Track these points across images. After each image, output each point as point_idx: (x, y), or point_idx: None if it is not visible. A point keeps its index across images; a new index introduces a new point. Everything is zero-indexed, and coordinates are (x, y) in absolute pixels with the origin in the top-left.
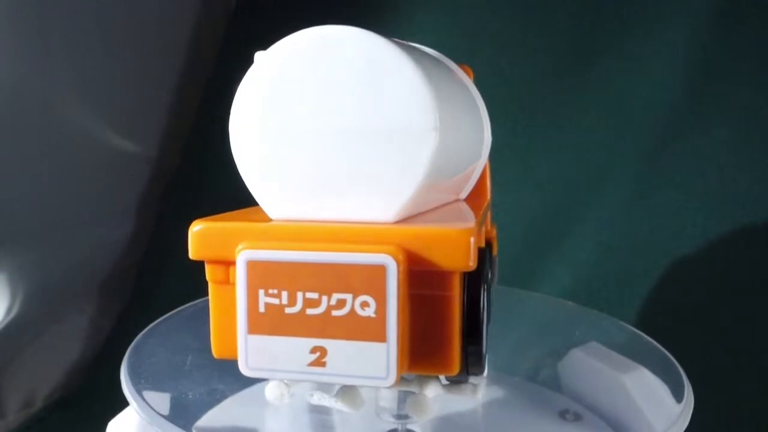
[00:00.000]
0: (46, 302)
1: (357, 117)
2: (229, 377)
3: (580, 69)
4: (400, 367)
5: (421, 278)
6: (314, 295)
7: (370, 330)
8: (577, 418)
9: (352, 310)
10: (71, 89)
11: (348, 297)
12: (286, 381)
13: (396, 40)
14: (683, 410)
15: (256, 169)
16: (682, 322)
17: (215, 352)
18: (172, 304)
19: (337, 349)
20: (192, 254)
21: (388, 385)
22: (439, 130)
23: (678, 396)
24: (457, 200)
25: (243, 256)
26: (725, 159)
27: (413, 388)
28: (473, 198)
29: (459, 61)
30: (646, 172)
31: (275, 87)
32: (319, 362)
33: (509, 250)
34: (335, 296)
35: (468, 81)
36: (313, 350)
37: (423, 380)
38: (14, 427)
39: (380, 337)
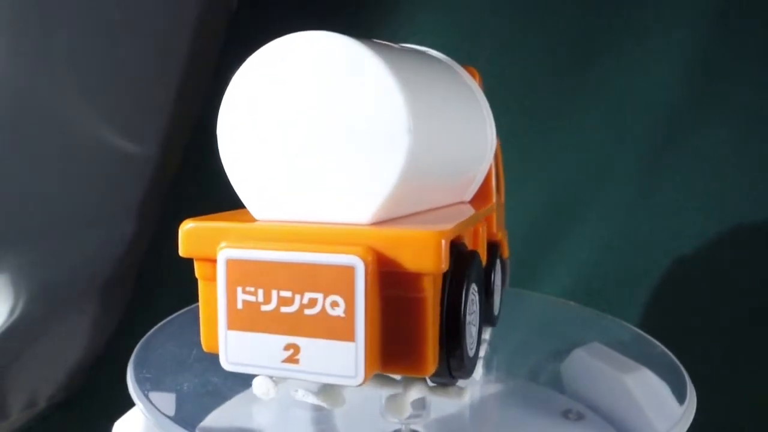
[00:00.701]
0: (47, 303)
1: (334, 120)
2: (235, 375)
3: (580, 69)
4: (368, 366)
5: (394, 280)
6: (288, 294)
7: (339, 329)
8: (580, 417)
9: (323, 310)
10: (72, 90)
11: (319, 296)
12: (273, 378)
13: (377, 41)
14: (685, 410)
15: (240, 172)
16: (682, 322)
17: (204, 345)
18: (173, 304)
19: (309, 346)
20: (181, 252)
21: (357, 384)
22: (414, 133)
23: (680, 396)
24: (461, 202)
25: (223, 255)
26: (725, 159)
27: (399, 389)
28: (479, 200)
29: (459, 61)
30: (646, 172)
31: (256, 93)
32: (292, 359)
33: (509, 250)
34: (307, 295)
35: (472, 83)
36: (287, 347)
37: (409, 381)
38: (18, 426)
39: (349, 336)
